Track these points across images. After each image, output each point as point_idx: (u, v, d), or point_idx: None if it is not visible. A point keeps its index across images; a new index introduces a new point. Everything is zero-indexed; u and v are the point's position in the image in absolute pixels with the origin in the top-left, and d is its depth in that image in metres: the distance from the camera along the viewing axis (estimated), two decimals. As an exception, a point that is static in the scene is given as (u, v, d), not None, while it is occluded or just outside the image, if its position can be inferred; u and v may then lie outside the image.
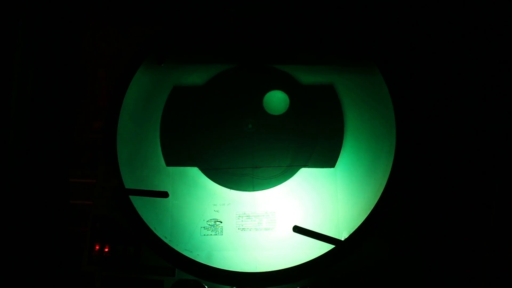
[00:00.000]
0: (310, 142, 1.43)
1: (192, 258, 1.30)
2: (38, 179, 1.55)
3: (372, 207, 1.31)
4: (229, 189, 1.41)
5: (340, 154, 1.42)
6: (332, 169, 1.41)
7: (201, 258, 1.32)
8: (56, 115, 1.62)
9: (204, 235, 1.38)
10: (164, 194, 1.38)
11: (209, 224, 1.39)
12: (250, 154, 1.43)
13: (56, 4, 1.62)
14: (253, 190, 1.41)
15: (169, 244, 1.31)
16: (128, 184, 1.38)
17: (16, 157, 1.49)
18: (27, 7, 1.52)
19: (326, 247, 1.29)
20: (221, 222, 1.39)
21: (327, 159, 1.42)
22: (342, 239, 1.31)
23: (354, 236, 1.30)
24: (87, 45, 1.64)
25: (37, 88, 1.56)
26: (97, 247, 1.33)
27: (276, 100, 1.47)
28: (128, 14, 1.64)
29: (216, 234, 1.38)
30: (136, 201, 1.35)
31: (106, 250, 1.33)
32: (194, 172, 1.43)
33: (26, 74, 1.52)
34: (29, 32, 1.53)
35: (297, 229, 1.31)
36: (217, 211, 1.40)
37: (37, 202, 1.54)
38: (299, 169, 1.42)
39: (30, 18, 1.53)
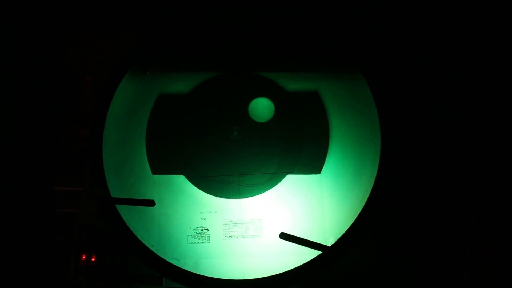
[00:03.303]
0: (296, 148, 1.44)
1: (180, 266, 1.30)
2: (23, 187, 1.54)
3: (358, 213, 1.32)
4: (215, 197, 1.41)
5: (326, 160, 1.43)
6: (318, 175, 1.42)
7: (188, 266, 1.32)
8: (42, 122, 1.61)
9: (191, 243, 1.38)
10: (151, 203, 1.37)
11: (196, 232, 1.39)
12: (236, 162, 1.43)
13: (42, 10, 1.61)
14: (240, 197, 1.41)
15: (156, 252, 1.31)
16: (114, 192, 1.37)
17: (0, 165, 1.48)
18: (12, 12, 1.51)
19: (313, 253, 1.30)
20: (208, 230, 1.39)
21: (312, 166, 1.42)
22: (329, 245, 1.31)
23: (341, 242, 1.30)
24: (73, 51, 1.63)
25: (22, 95, 1.55)
26: (84, 257, 1.32)
27: (261, 107, 1.48)
28: (114, 21, 1.63)
29: (203, 242, 1.38)
30: (123, 209, 1.35)
31: (93, 259, 1.32)
32: (181, 180, 1.43)
33: (10, 80, 1.51)
34: (13, 38, 1.52)
35: (284, 236, 1.31)
36: (204, 219, 1.40)
37: (22, 210, 1.52)
38: (285, 176, 1.42)
39: (15, 24, 1.52)
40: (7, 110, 1.50)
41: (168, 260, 1.30)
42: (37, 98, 1.60)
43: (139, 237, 1.32)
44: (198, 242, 1.38)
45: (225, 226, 1.39)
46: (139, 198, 1.39)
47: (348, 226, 1.31)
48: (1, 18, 1.49)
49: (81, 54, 1.63)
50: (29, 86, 1.57)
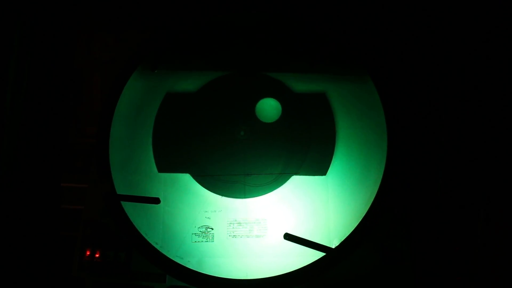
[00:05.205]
0: (302, 149, 1.44)
1: (183, 264, 1.30)
2: (30, 183, 1.55)
3: (363, 215, 1.32)
4: (220, 196, 1.42)
5: (332, 162, 1.43)
6: (323, 177, 1.42)
7: (192, 264, 1.32)
8: (50, 118, 1.62)
9: (195, 241, 1.38)
10: (156, 200, 1.38)
11: (200, 231, 1.39)
12: (242, 161, 1.43)
13: (52, 9, 1.63)
14: (245, 197, 1.41)
15: (160, 250, 1.31)
16: (120, 189, 1.37)
17: (9, 161, 1.49)
18: (23, 11, 1.53)
19: (317, 255, 1.29)
20: (212, 228, 1.39)
21: (318, 167, 1.42)
22: (333, 247, 1.31)
23: (345, 243, 1.30)
24: (82, 50, 1.64)
25: (31, 92, 1.56)
26: (88, 253, 1.33)
27: (269, 108, 1.48)
28: (123, 20, 1.64)
29: (207, 241, 1.38)
30: (128, 207, 1.35)
31: (97, 255, 1.32)
32: (186, 179, 1.43)
33: (21, 78, 1.53)
34: (24, 36, 1.53)
35: (288, 237, 1.31)
36: (208, 217, 1.40)
37: (29, 206, 1.53)
38: (290, 176, 1.42)
39: (26, 23, 1.54)
40: (16, 107, 1.51)
41: (172, 258, 1.30)
42: (45, 95, 1.62)
43: (143, 234, 1.32)
44: (202, 241, 1.38)
45: (230, 226, 1.39)
46: (145, 195, 1.39)
47: (353, 229, 1.31)
48: (12, 17, 1.50)
49: (89, 52, 1.64)
50: (38, 83, 1.59)
